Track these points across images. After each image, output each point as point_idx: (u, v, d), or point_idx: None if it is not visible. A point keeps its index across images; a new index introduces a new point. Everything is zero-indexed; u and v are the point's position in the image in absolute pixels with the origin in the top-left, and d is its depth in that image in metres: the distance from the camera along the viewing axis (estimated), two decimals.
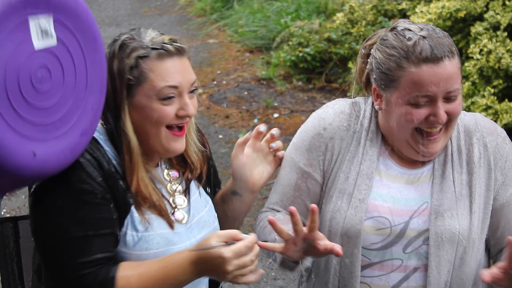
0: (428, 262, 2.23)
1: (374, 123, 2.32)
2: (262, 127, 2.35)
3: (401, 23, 2.23)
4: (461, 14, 5.31)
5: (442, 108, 2.16)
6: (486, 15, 5.19)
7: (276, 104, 7.04)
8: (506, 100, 4.95)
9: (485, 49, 5.00)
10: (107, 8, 11.59)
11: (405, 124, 2.20)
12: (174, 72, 2.11)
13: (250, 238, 2.00)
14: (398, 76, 2.16)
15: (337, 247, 2.05)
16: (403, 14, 6.51)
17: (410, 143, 2.24)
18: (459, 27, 5.46)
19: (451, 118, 2.20)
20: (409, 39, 2.15)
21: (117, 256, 2.11)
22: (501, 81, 5.00)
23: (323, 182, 2.33)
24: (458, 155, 2.30)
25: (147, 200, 2.15)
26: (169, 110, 2.12)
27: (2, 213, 2.80)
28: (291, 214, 2.02)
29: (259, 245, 2.03)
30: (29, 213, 2.12)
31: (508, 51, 4.95)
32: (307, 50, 7.41)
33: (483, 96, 4.98)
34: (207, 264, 1.99)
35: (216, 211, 2.38)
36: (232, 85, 7.69)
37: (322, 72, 7.43)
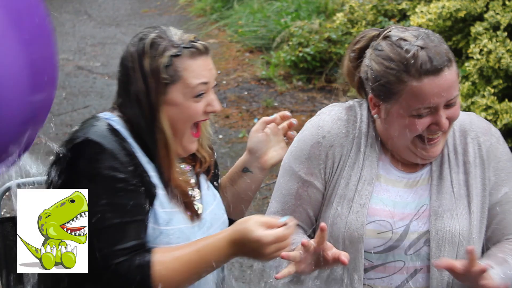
0: (429, 263, 2.24)
1: (372, 128, 2.32)
2: (288, 112, 2.51)
3: (394, 31, 2.21)
4: (461, 14, 5.31)
5: (443, 116, 2.17)
6: (486, 15, 5.19)
7: (276, 104, 7.04)
8: (506, 100, 4.95)
9: (485, 49, 5.00)
10: (107, 8, 11.59)
11: (408, 133, 2.20)
12: (205, 69, 2.17)
13: (290, 224, 2.04)
14: (399, 89, 2.15)
15: (343, 256, 2.07)
16: (403, 14, 6.51)
17: (411, 148, 2.24)
18: (459, 27, 5.46)
19: (450, 121, 2.21)
20: (407, 51, 2.14)
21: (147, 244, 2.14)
22: (501, 81, 5.00)
23: (324, 190, 2.32)
24: (454, 155, 2.31)
25: (183, 192, 2.20)
26: (200, 106, 2.18)
27: (2, 213, 2.80)
28: (303, 245, 2.06)
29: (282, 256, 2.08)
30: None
31: (508, 51, 4.95)
32: (307, 50, 7.41)
33: (483, 96, 4.98)
34: (245, 246, 2.04)
35: (225, 196, 2.43)
36: (232, 85, 7.69)
37: (322, 72, 7.43)
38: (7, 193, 2.89)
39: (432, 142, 2.22)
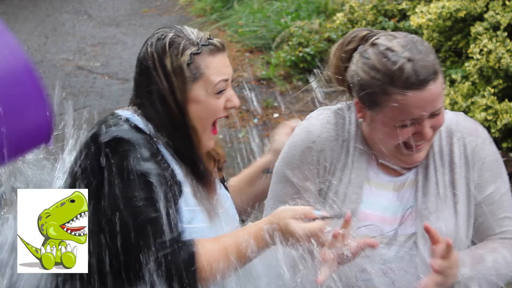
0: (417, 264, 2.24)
1: (360, 131, 2.32)
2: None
3: (382, 39, 2.19)
4: (461, 14, 5.30)
5: (427, 126, 2.17)
6: (486, 15, 5.19)
7: (276, 104, 7.04)
8: (506, 100, 4.95)
9: (485, 49, 5.00)
10: (107, 8, 11.59)
11: (391, 140, 2.21)
12: (224, 66, 2.21)
13: (324, 220, 2.09)
14: (384, 100, 2.15)
15: (369, 242, 2.09)
16: (403, 14, 6.51)
17: (395, 154, 2.25)
18: (459, 27, 5.46)
19: (434, 129, 2.22)
20: (394, 63, 2.13)
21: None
22: (501, 81, 5.00)
23: (319, 194, 2.32)
24: (440, 156, 2.30)
25: (209, 173, 2.24)
26: (221, 103, 2.21)
27: (2, 213, 2.80)
28: (335, 236, 2.08)
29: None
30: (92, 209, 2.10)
31: (508, 51, 4.95)
32: (307, 50, 7.41)
33: (483, 96, 4.98)
34: (282, 236, 2.08)
35: (237, 197, 2.46)
36: (232, 85, 7.69)
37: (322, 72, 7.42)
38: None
39: (416, 148, 2.22)
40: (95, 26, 10.55)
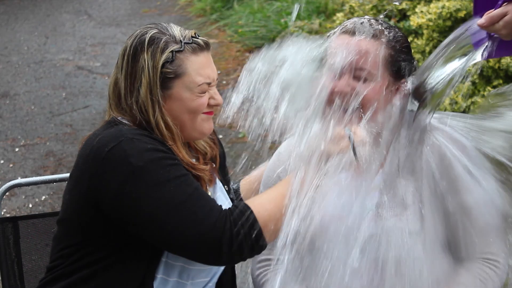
0: (381, 266, 2.20)
1: None
2: None
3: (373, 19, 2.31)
4: (461, 14, 5.31)
5: (347, 80, 2.22)
6: None
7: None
8: None
9: None
10: (107, 8, 11.60)
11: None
12: (208, 66, 2.21)
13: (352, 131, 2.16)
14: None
15: None
16: (403, 14, 6.51)
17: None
18: (459, 27, 5.46)
19: (362, 101, 2.21)
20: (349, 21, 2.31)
21: None
22: (501, 81, 5.00)
23: None
24: (408, 163, 2.24)
25: (204, 182, 2.21)
26: (204, 100, 2.21)
27: (2, 213, 2.80)
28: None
29: None
30: (124, 214, 2.07)
31: None
32: None
33: (483, 96, 4.98)
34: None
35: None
36: (232, 85, 7.69)
37: None
38: (7, 193, 2.89)
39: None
40: (95, 26, 10.55)
